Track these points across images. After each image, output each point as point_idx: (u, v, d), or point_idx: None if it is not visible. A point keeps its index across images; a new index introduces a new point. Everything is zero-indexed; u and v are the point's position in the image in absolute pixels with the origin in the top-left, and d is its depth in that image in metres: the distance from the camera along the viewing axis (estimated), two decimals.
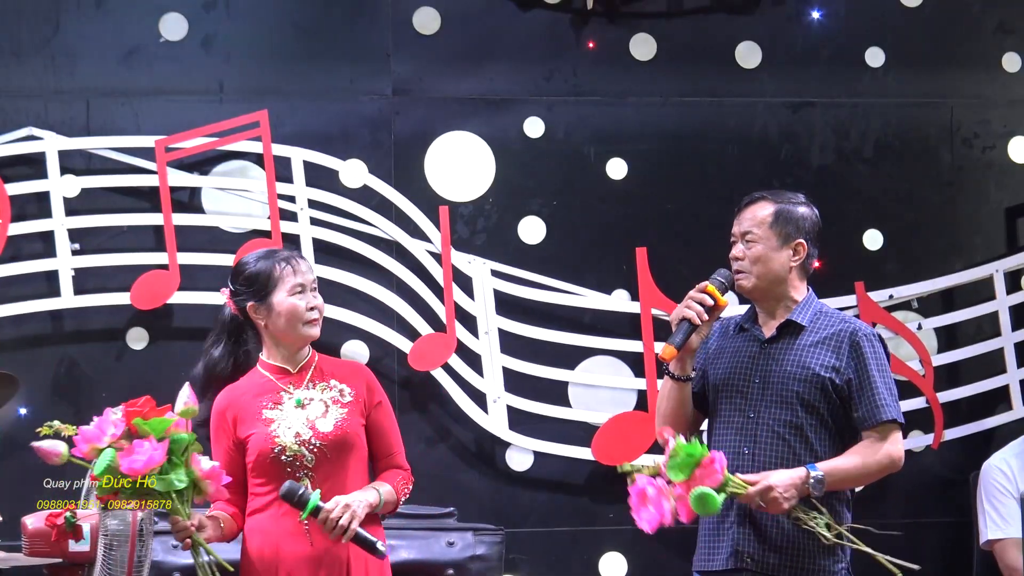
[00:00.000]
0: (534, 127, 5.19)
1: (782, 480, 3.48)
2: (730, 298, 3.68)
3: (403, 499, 3.65)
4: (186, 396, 3.36)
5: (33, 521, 3.85)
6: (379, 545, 3.43)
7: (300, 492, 3.41)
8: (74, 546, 3.78)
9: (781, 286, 3.69)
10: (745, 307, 3.82)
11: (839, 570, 3.61)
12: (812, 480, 3.50)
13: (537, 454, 5.06)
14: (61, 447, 3.31)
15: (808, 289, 3.74)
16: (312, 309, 3.60)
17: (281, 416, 3.55)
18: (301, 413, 3.55)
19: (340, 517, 3.41)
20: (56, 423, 3.35)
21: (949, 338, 5.28)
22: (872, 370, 3.62)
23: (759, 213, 3.70)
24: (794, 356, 3.64)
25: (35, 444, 3.33)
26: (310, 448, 3.51)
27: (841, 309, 5.07)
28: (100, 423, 3.28)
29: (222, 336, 3.67)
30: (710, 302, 3.59)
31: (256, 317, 3.61)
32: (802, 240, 3.69)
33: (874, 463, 3.61)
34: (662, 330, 4.93)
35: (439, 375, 4.98)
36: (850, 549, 3.57)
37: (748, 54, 5.31)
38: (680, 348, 3.58)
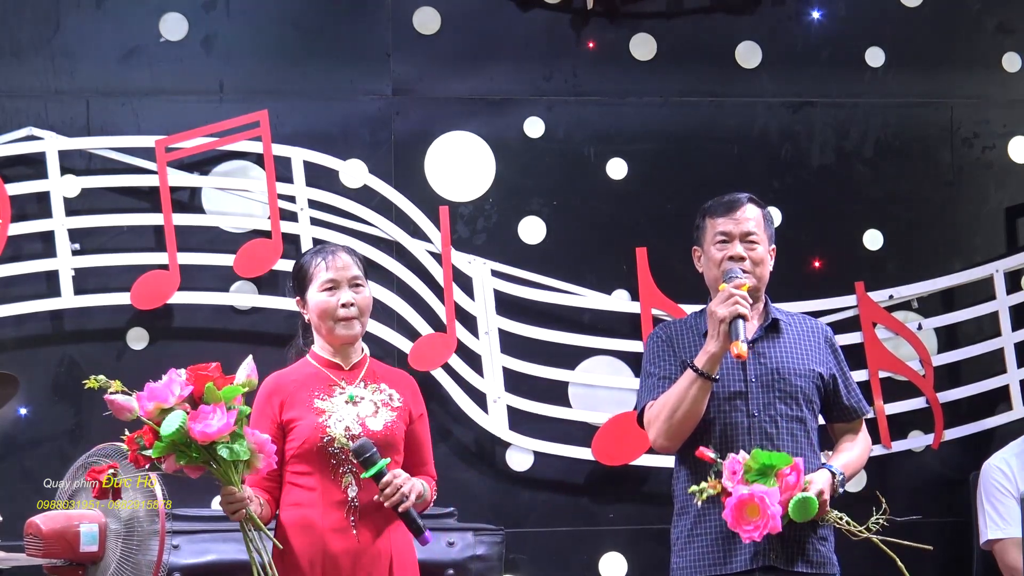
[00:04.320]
0: (534, 127, 5.18)
1: (824, 484, 3.53)
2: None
3: (431, 503, 3.71)
4: (248, 368, 3.35)
5: (45, 522, 3.74)
6: (426, 529, 3.46)
7: (372, 451, 3.43)
8: (84, 547, 3.71)
9: (763, 288, 3.74)
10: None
11: (834, 559, 3.70)
12: (839, 479, 3.56)
13: (537, 454, 5.05)
14: (134, 403, 3.25)
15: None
16: (346, 306, 3.57)
17: (332, 408, 3.54)
18: (352, 409, 3.55)
19: (402, 486, 3.43)
20: (102, 377, 3.28)
21: (949, 338, 5.28)
22: (846, 366, 3.77)
23: (754, 214, 3.71)
24: (788, 353, 3.69)
25: (108, 397, 3.25)
26: None
27: (841, 309, 5.14)
28: (168, 384, 3.23)
29: (299, 333, 3.72)
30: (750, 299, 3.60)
31: (304, 312, 3.65)
32: (774, 244, 3.75)
33: (867, 453, 3.77)
34: None
35: (439, 375, 4.98)
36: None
37: (748, 54, 5.31)
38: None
